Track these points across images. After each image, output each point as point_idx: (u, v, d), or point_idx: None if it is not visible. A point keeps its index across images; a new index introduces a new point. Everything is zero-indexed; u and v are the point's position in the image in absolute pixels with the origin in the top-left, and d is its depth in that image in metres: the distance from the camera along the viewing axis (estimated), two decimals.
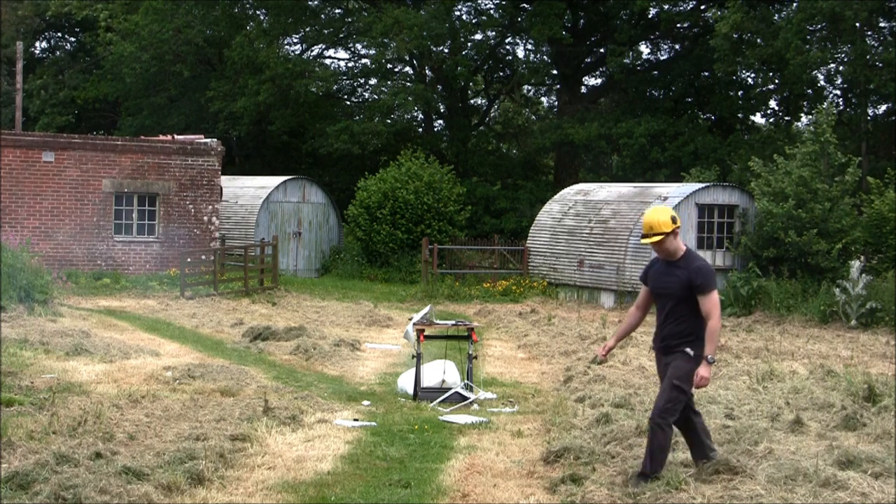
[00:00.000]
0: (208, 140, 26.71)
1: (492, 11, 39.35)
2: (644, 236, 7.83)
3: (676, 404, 7.71)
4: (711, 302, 7.64)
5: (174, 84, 40.87)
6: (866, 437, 9.41)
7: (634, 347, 15.57)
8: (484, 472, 8.42)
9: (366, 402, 11.50)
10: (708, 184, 24.76)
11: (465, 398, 11.42)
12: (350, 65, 43.82)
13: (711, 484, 7.69)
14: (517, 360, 15.35)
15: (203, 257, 25.25)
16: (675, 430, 7.96)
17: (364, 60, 42.38)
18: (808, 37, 29.47)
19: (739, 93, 36.45)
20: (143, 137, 28.65)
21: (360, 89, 44.19)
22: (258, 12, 41.19)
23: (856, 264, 20.63)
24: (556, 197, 27.44)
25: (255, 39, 38.23)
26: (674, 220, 7.73)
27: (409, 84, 39.10)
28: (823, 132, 23.11)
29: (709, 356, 7.59)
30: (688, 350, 7.72)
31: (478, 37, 39.59)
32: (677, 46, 39.08)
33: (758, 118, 38.58)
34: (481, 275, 27.04)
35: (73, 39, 48.73)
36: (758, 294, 21.89)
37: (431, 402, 11.43)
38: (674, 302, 7.77)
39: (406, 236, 29.45)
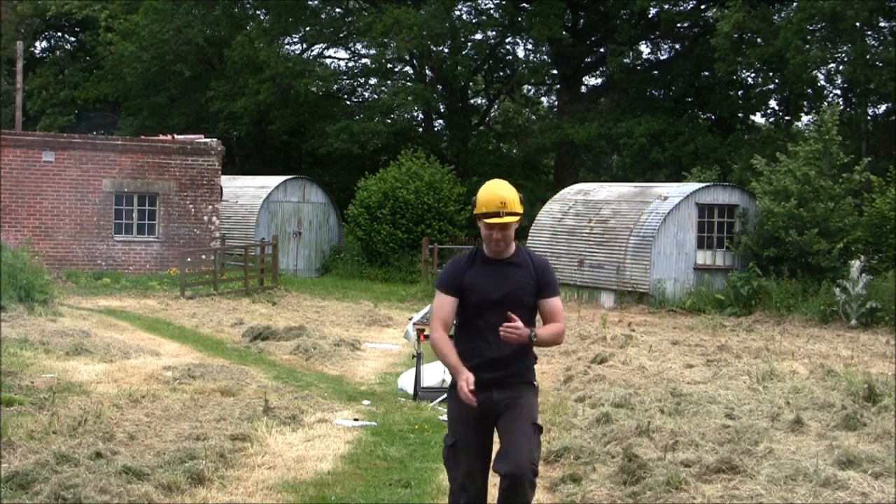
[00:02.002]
0: (208, 140, 26.73)
1: (492, 11, 39.37)
2: (490, 215, 5.76)
3: (540, 447, 6.02)
4: (558, 304, 5.99)
5: (174, 84, 40.87)
6: (866, 436, 9.40)
7: (634, 347, 15.56)
8: None
9: (366, 402, 11.50)
10: (708, 183, 24.76)
11: None
12: (350, 64, 43.86)
13: (712, 483, 7.69)
14: None
15: (203, 257, 25.26)
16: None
17: (364, 60, 42.43)
18: (809, 36, 29.48)
19: (739, 92, 36.45)
20: (143, 137, 28.66)
21: (360, 89, 44.22)
22: (258, 12, 41.21)
23: (856, 264, 20.64)
24: (556, 197, 27.44)
25: (256, 39, 38.25)
26: (522, 203, 5.88)
27: (409, 84, 39.11)
28: (828, 130, 23.13)
29: (534, 334, 5.75)
30: (534, 382, 5.95)
31: (478, 37, 39.62)
32: (677, 46, 39.08)
33: (758, 118, 38.63)
34: None
35: (73, 39, 48.74)
36: (758, 294, 21.89)
37: (431, 401, 11.43)
38: (510, 308, 5.77)
39: (406, 236, 29.45)
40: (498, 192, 5.80)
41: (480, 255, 5.95)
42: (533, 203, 33.95)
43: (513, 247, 5.92)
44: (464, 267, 5.93)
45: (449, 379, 11.84)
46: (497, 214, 5.75)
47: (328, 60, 43.70)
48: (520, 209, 5.80)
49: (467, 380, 5.64)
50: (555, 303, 5.96)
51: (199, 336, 16.84)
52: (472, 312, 5.87)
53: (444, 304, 5.92)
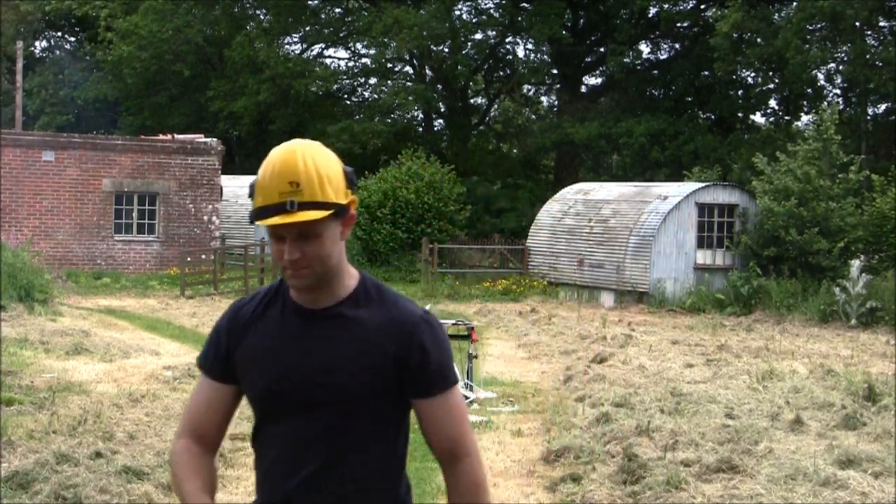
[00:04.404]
0: (208, 139, 26.74)
1: (492, 11, 39.41)
2: (267, 211, 2.59)
3: None
4: (458, 409, 2.74)
5: (174, 84, 40.88)
6: (866, 436, 9.40)
7: (634, 347, 15.56)
8: None
9: None
10: (708, 183, 24.76)
11: (466, 397, 11.41)
12: (350, 64, 43.88)
13: (712, 483, 7.69)
14: (517, 360, 15.34)
15: (203, 256, 25.25)
16: None
17: (364, 60, 42.45)
18: (808, 36, 29.51)
19: (739, 92, 36.49)
20: (143, 137, 28.67)
21: (360, 89, 44.23)
22: (258, 12, 41.23)
23: (856, 263, 20.65)
24: (556, 196, 27.45)
25: (256, 39, 38.27)
26: (350, 185, 2.65)
27: (409, 84, 39.14)
28: (827, 129, 23.15)
29: None
30: None
31: (478, 36, 39.66)
32: (677, 46, 39.11)
33: (758, 117, 38.68)
34: (481, 274, 27.05)
35: (73, 39, 48.74)
36: (758, 293, 21.89)
37: None
38: (336, 414, 2.67)
39: (406, 236, 29.45)
40: (284, 167, 2.59)
41: (286, 297, 2.79)
42: (533, 203, 33.97)
43: (349, 281, 2.75)
44: (246, 319, 2.84)
45: None
46: (281, 209, 2.59)
47: (328, 60, 43.77)
48: (338, 197, 2.62)
49: None
50: (444, 403, 2.72)
51: (199, 335, 16.83)
52: (260, 413, 2.81)
53: (198, 394, 2.94)
